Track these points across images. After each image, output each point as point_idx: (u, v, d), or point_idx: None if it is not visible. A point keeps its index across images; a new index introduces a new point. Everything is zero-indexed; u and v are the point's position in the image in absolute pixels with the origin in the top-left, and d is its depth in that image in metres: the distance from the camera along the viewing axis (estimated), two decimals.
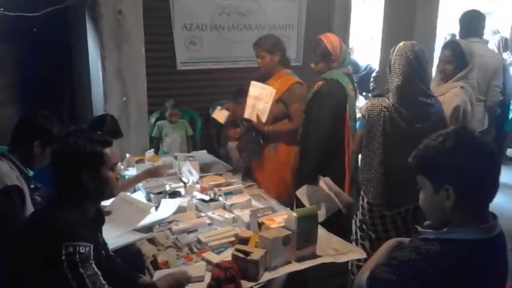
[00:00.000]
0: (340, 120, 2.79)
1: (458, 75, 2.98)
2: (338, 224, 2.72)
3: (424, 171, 1.36)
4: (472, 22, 3.87)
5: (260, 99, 3.11)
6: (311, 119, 2.91)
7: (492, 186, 1.31)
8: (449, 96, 2.93)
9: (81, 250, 1.55)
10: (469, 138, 1.32)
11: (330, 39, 2.88)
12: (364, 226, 2.70)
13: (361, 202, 2.72)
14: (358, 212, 2.75)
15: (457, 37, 4.11)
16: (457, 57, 2.99)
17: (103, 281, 1.62)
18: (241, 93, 3.54)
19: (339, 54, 2.87)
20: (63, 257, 1.52)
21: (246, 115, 3.19)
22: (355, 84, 3.01)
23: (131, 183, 2.94)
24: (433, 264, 1.27)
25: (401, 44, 2.50)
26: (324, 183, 2.70)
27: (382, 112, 2.48)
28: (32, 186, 2.37)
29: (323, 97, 2.85)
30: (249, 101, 3.18)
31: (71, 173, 1.69)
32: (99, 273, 1.62)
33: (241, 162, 3.48)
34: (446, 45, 3.20)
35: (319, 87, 2.90)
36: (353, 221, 2.81)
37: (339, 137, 2.81)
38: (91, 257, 1.60)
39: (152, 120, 4.23)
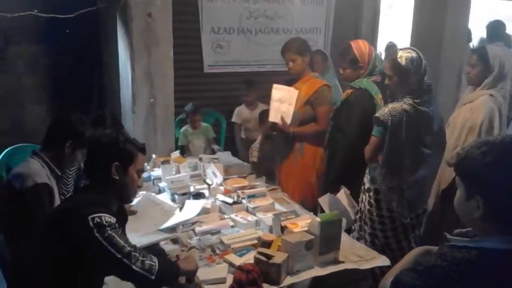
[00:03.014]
0: (368, 131, 2.71)
1: (486, 81, 2.94)
2: None
3: (461, 175, 1.34)
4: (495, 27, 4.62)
5: (283, 101, 3.11)
6: (338, 128, 2.88)
7: None
8: (477, 104, 2.89)
9: (107, 219, 1.67)
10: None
11: (359, 46, 2.85)
12: (376, 240, 2.65)
13: (372, 214, 2.64)
14: (365, 227, 2.69)
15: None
16: (481, 61, 2.95)
17: (132, 244, 1.70)
18: (251, 84, 4.26)
19: (367, 61, 2.83)
20: (92, 225, 1.63)
21: (271, 118, 3.19)
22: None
23: None
24: (459, 272, 1.24)
25: (407, 51, 2.51)
26: (344, 194, 2.64)
27: (404, 117, 2.44)
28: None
29: (351, 107, 2.81)
30: (273, 104, 3.18)
31: (103, 160, 1.81)
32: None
33: (254, 157, 3.56)
34: (473, 50, 3.22)
35: (348, 96, 2.87)
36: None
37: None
38: (118, 227, 1.70)
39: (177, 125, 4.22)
